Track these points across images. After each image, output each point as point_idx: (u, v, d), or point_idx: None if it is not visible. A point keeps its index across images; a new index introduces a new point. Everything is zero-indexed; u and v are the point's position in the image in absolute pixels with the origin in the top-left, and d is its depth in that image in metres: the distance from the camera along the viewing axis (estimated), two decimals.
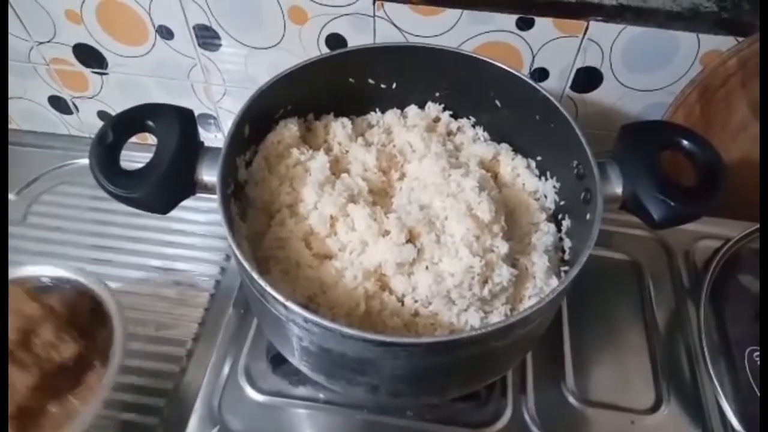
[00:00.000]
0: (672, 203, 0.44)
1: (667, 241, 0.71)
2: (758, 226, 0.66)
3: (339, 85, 0.55)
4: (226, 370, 0.61)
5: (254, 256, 0.44)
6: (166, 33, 0.70)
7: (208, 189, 0.46)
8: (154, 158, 0.44)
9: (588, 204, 0.47)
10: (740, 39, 0.62)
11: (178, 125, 0.45)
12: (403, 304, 0.46)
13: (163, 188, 0.44)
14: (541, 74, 0.68)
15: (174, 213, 0.74)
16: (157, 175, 0.43)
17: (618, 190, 0.47)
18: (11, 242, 0.75)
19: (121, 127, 0.45)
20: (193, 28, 0.68)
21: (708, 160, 0.47)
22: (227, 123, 0.81)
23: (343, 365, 0.43)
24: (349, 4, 0.63)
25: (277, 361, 0.58)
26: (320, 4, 0.64)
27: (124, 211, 0.77)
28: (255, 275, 0.40)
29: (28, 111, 0.85)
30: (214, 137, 0.84)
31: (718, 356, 0.59)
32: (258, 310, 0.48)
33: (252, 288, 0.43)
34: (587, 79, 0.68)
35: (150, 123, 0.46)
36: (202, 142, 0.48)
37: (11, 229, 0.77)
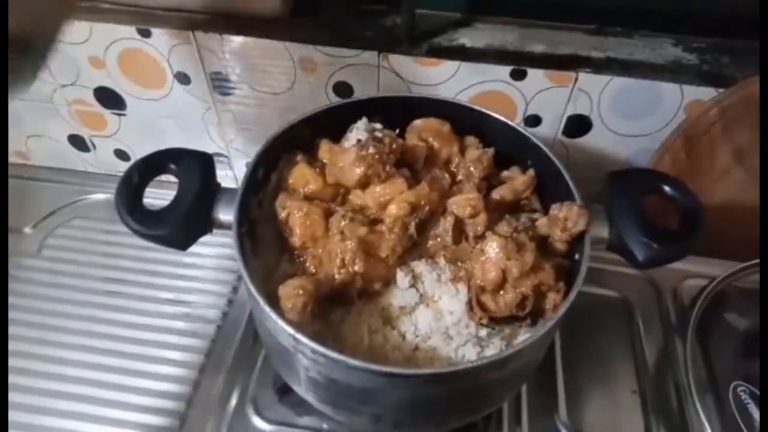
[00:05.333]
0: (655, 245, 0.48)
1: (656, 279, 0.74)
2: (742, 265, 0.69)
3: (344, 129, 0.59)
4: (234, 400, 0.63)
5: (265, 290, 0.47)
6: (183, 79, 0.74)
7: (224, 227, 0.50)
8: (175, 199, 0.48)
9: (577, 245, 0.51)
10: (720, 90, 0.66)
11: (198, 168, 0.49)
12: (404, 339, 0.49)
13: (183, 227, 0.48)
14: (534, 121, 0.72)
15: None
16: (178, 214, 0.47)
17: (604, 232, 0.50)
18: (26, 274, 0.78)
19: (146, 169, 0.49)
20: (209, 74, 0.73)
21: (688, 205, 0.50)
22: (237, 161, 0.86)
23: (349, 395, 0.45)
24: (355, 55, 0.68)
25: (284, 392, 0.60)
26: (328, 54, 0.68)
27: (135, 245, 0.81)
28: (266, 308, 0.43)
29: (47, 148, 0.89)
30: (225, 174, 0.88)
31: (705, 391, 0.62)
32: (267, 342, 0.51)
33: (262, 320, 0.46)
34: (578, 125, 0.72)
35: (172, 166, 0.50)
36: (219, 184, 0.52)
37: (26, 261, 0.80)
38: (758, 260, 0.68)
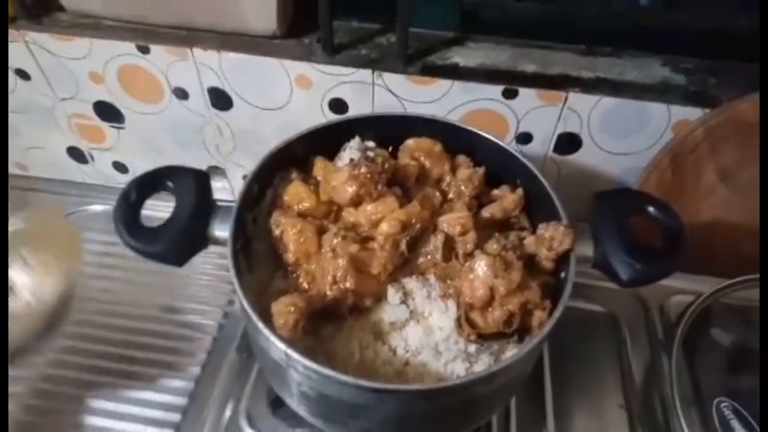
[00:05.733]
0: (638, 265, 0.49)
1: (643, 295, 0.75)
2: (728, 282, 0.70)
3: (339, 146, 0.61)
4: (227, 412, 0.64)
5: (258, 305, 0.48)
6: (181, 94, 0.76)
7: (219, 243, 0.51)
8: (172, 216, 0.49)
9: (563, 263, 0.52)
10: (707, 110, 0.68)
11: (195, 186, 0.50)
12: (395, 354, 0.50)
13: (180, 244, 0.49)
14: (525, 138, 0.74)
15: None
16: (174, 231, 0.48)
17: (590, 251, 0.51)
18: None
19: (143, 187, 0.50)
20: (207, 90, 0.74)
21: (671, 226, 0.52)
22: (234, 173, 0.87)
23: (339, 410, 0.46)
24: (350, 74, 0.70)
25: (277, 405, 0.62)
26: (324, 72, 0.70)
27: (132, 255, 0.82)
28: (259, 324, 0.44)
29: (46, 160, 0.91)
30: (222, 186, 0.89)
31: (690, 406, 0.63)
32: (260, 356, 0.52)
33: (255, 335, 0.48)
34: (568, 143, 0.74)
35: (170, 183, 0.51)
36: (215, 201, 0.53)
37: None
38: (744, 277, 0.70)
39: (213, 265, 0.82)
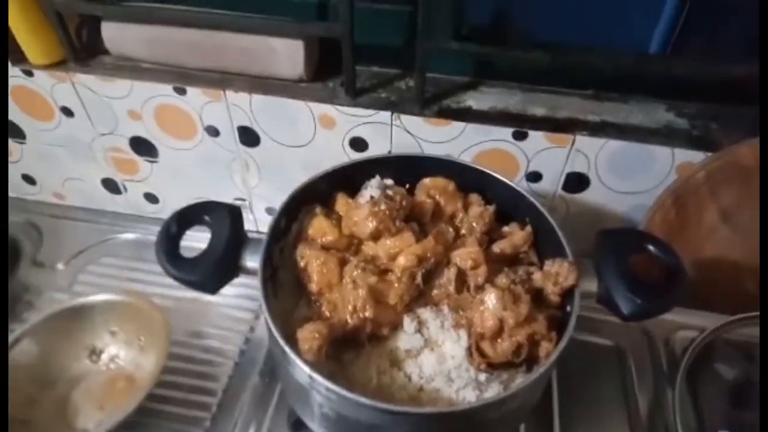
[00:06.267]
0: (639, 301, 0.52)
1: (649, 329, 0.78)
2: (731, 319, 0.73)
3: (359, 183, 0.65)
4: None
5: (283, 330, 0.52)
6: (212, 131, 0.81)
7: (249, 273, 0.55)
8: (208, 248, 0.54)
9: (568, 297, 0.55)
10: (708, 154, 0.71)
11: (229, 220, 0.55)
12: (410, 380, 0.53)
13: (215, 273, 0.53)
14: (535, 177, 0.78)
15: None
16: (210, 262, 0.53)
17: (593, 286, 0.55)
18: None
19: (183, 220, 0.55)
20: (237, 128, 0.80)
21: (670, 264, 0.55)
22: (257, 205, 0.92)
23: (357, 431, 0.50)
24: (370, 115, 0.74)
25: (297, 427, 0.65)
26: (346, 114, 0.75)
27: (159, 282, 0.87)
28: (286, 348, 0.48)
29: (82, 190, 0.96)
30: (246, 218, 0.93)
31: None
32: (285, 379, 0.56)
33: (281, 359, 0.51)
34: (576, 182, 0.77)
35: (206, 218, 0.55)
36: (246, 234, 0.57)
37: (58, 296, 0.86)
38: (745, 315, 0.72)
39: (236, 293, 0.85)
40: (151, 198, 0.95)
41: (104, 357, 0.76)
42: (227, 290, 0.85)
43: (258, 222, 0.95)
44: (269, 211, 0.92)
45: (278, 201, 0.59)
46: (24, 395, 0.69)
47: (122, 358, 0.76)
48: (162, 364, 0.67)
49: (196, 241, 0.56)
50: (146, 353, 0.74)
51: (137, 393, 0.65)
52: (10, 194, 1.00)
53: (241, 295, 0.85)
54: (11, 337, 0.70)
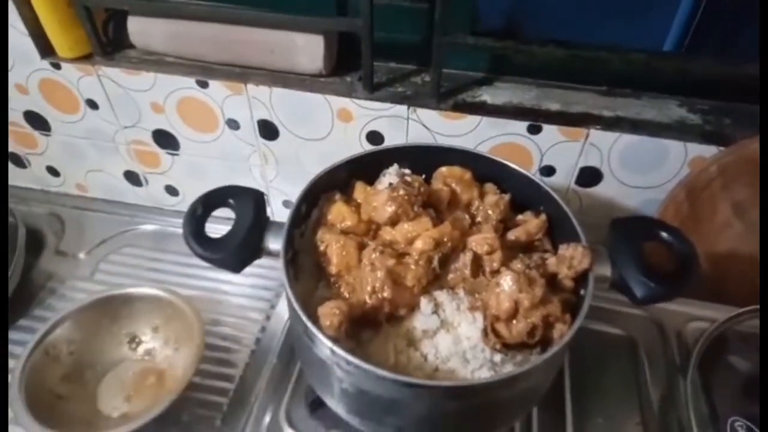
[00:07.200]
0: (652, 284, 0.53)
1: (662, 320, 0.79)
2: (741, 311, 0.74)
3: (376, 173, 0.67)
4: (267, 418, 0.69)
5: (304, 311, 0.53)
6: (233, 124, 0.83)
7: (272, 255, 0.57)
8: (232, 229, 0.56)
9: (582, 282, 0.57)
10: (721, 148, 0.72)
11: (252, 203, 0.57)
12: (426, 360, 0.55)
13: (239, 253, 0.55)
14: (549, 171, 0.79)
15: (223, 276, 0.85)
16: (235, 242, 0.55)
17: (607, 271, 0.56)
18: (80, 296, 0.85)
19: (208, 203, 0.57)
20: (257, 121, 0.82)
21: (683, 251, 0.56)
22: (275, 198, 0.94)
23: (376, 406, 0.51)
24: (387, 109, 0.76)
25: (315, 407, 0.66)
26: (363, 107, 0.77)
27: (178, 272, 0.89)
28: (309, 323, 0.50)
29: (104, 182, 0.99)
30: None
31: (706, 425, 0.66)
32: (305, 356, 0.57)
33: (302, 335, 0.53)
34: (589, 176, 0.78)
35: (231, 201, 0.57)
36: (269, 217, 0.59)
37: (80, 284, 0.88)
38: (757, 306, 0.73)
39: (252, 283, 0.87)
40: (171, 190, 0.98)
41: (141, 349, 0.78)
42: (243, 280, 0.89)
43: (275, 215, 0.96)
44: (286, 204, 0.94)
45: (294, 195, 0.61)
46: (63, 370, 0.71)
47: (158, 353, 0.77)
48: (192, 370, 0.68)
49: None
50: (180, 354, 0.75)
51: (165, 394, 0.66)
52: (34, 187, 1.03)
53: (257, 285, 0.87)
54: (58, 316, 0.73)
